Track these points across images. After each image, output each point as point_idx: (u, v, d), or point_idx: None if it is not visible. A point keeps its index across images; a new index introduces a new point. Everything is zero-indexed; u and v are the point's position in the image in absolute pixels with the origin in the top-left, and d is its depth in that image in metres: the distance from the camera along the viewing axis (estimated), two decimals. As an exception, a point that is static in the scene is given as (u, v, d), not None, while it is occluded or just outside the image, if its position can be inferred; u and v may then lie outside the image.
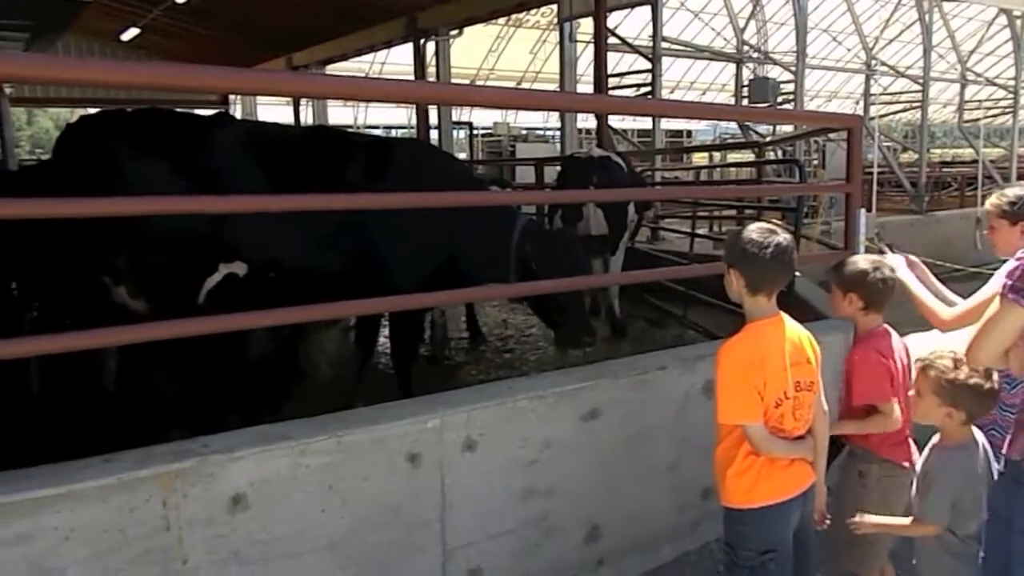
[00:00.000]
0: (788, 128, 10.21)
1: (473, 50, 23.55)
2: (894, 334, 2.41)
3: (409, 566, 2.43)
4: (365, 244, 3.40)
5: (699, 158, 15.33)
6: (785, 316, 2.10)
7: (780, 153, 10.42)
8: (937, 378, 2.03)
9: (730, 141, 20.10)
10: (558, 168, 9.59)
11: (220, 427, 2.24)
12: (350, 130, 14.14)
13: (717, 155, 16.27)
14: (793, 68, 11.00)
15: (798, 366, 2.06)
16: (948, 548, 2.08)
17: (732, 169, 15.72)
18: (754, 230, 2.06)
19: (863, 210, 3.40)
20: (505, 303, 7.01)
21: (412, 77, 12.21)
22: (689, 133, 29.52)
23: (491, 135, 20.15)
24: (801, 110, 10.13)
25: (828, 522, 2.25)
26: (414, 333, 4.16)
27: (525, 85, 25.70)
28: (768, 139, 9.41)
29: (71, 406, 3.43)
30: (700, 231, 7.49)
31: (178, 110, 3.75)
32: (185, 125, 3.44)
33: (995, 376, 2.01)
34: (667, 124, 13.76)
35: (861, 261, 2.45)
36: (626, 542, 2.92)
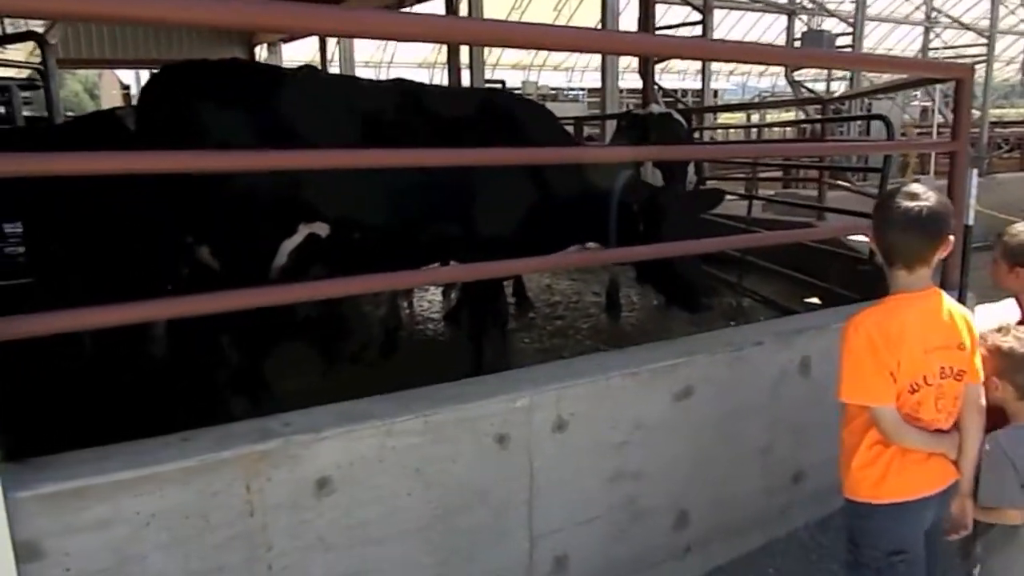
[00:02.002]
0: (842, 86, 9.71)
1: (496, 7, 22.81)
2: None
3: (495, 553, 2.29)
4: (457, 204, 3.15)
5: (727, 117, 14.55)
6: (943, 294, 1.86)
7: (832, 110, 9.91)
8: (985, 347, 1.90)
9: (769, 99, 19.36)
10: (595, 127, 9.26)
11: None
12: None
13: (758, 115, 15.70)
14: (851, 19, 10.38)
15: (947, 350, 1.82)
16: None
17: (774, 128, 15.20)
18: (900, 193, 1.81)
19: (975, 171, 3.10)
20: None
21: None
22: (716, 93, 28.46)
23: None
24: (903, 58, 9.43)
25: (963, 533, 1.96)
26: (496, 301, 3.92)
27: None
28: (838, 94, 8.88)
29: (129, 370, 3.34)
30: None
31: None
32: (273, 77, 3.21)
33: None
34: (696, 83, 13.16)
35: None
36: (714, 527, 2.75)
